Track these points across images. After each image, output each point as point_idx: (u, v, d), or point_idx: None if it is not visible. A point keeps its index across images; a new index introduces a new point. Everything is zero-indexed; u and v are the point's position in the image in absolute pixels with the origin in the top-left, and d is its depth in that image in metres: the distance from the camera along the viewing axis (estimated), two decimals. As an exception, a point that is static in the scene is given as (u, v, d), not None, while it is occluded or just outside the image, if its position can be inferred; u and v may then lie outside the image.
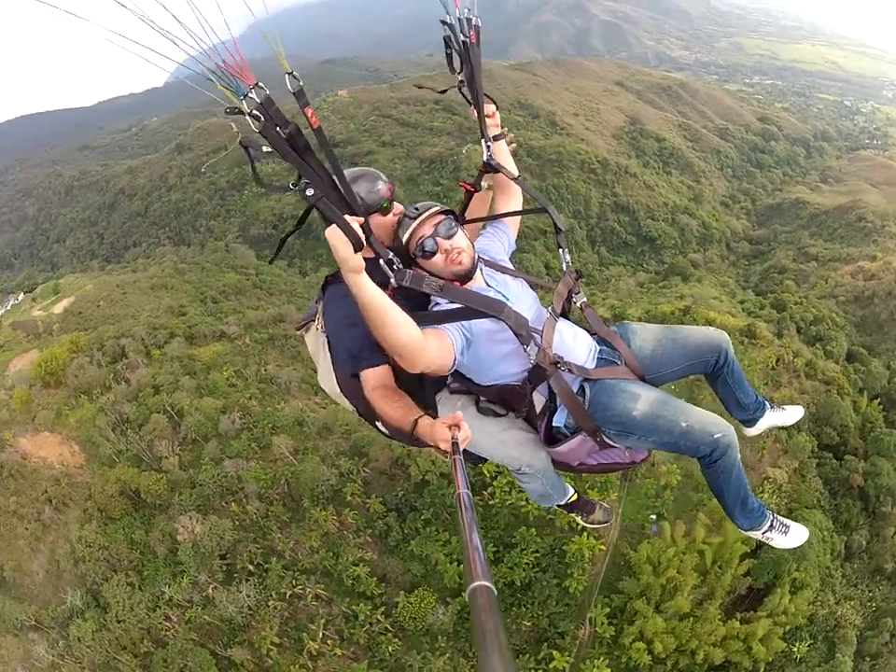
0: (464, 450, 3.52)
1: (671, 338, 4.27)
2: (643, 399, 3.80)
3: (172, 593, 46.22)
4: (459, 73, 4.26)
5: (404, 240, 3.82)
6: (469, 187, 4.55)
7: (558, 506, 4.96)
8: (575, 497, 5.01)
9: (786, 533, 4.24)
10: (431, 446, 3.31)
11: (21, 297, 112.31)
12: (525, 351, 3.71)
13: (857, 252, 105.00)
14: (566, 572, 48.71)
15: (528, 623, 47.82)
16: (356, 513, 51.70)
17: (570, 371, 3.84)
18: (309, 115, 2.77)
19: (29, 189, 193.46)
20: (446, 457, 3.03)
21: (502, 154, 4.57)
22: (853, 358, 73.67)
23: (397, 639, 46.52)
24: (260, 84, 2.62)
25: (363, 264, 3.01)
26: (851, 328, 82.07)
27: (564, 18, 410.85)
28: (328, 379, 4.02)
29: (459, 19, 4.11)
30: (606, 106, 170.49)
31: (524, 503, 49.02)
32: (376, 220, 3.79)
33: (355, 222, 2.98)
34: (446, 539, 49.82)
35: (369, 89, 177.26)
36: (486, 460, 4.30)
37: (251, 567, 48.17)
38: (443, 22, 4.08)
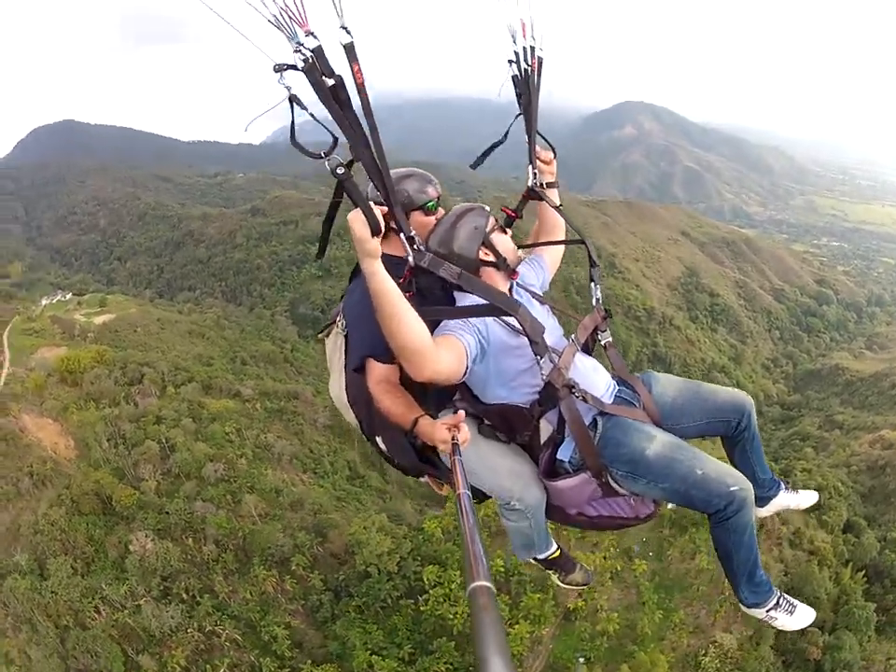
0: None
1: (694, 391, 4.37)
2: (658, 440, 3.84)
3: (110, 592, 53.96)
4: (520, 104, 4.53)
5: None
6: (511, 213, 4.74)
7: (537, 560, 4.84)
8: (557, 553, 4.90)
9: (791, 613, 4.23)
10: (430, 446, 3.58)
11: (69, 296, 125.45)
12: (539, 364, 3.70)
13: (882, 420, 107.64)
14: (473, 692, 53.50)
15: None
16: (295, 582, 59.20)
17: (585, 399, 3.85)
18: (355, 71, 2.89)
19: (105, 201, 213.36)
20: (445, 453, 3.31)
21: (552, 198, 4.79)
22: (851, 529, 74.74)
23: (294, 703, 52.74)
24: (314, 33, 2.75)
25: (379, 250, 3.11)
26: (856, 497, 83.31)
27: (650, 160, 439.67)
28: (337, 384, 4.22)
29: (524, 48, 4.36)
30: (667, 255, 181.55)
31: (451, 616, 55.06)
32: (418, 219, 4.09)
33: (376, 208, 3.09)
34: (371, 630, 56.25)
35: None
36: (487, 497, 4.28)
37: (184, 595, 55.84)
38: (510, 61, 4.38)
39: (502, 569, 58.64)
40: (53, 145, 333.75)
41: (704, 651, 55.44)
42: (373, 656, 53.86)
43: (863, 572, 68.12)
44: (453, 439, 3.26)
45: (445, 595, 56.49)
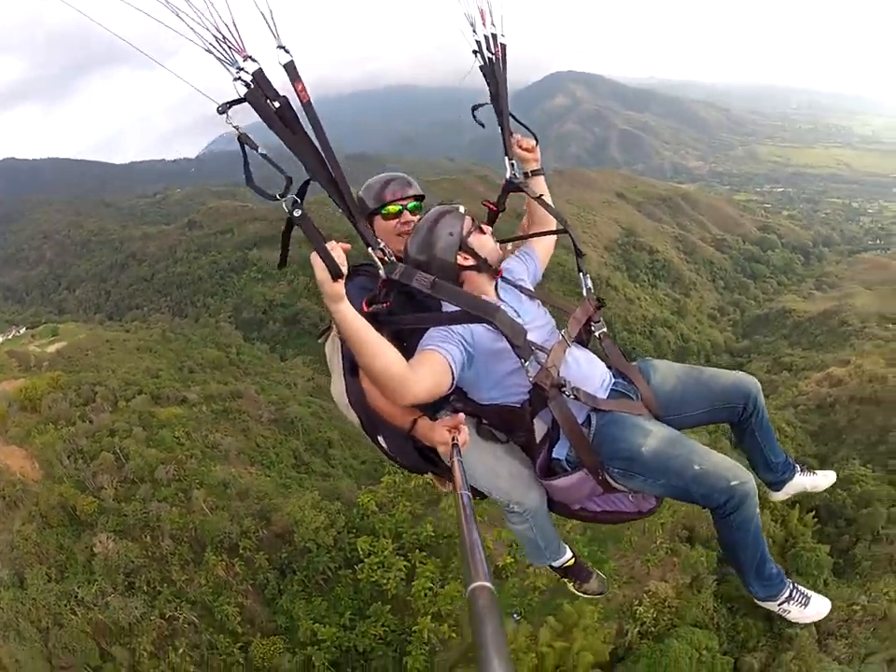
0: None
1: (695, 377, 4.21)
2: (654, 435, 3.70)
3: (83, 594, 59.02)
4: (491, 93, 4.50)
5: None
6: (492, 206, 4.66)
7: (552, 567, 4.86)
8: (573, 561, 4.90)
9: (805, 605, 4.05)
10: (431, 445, 3.61)
11: (22, 330, 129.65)
12: (524, 366, 3.60)
13: (832, 358, 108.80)
14: (407, 650, 54.76)
15: (362, 692, 56.53)
16: (243, 565, 64.27)
17: (577, 397, 3.75)
18: (299, 89, 2.80)
19: (50, 233, 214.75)
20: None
21: (541, 189, 4.74)
22: (800, 469, 73.57)
23: (246, 672, 57.80)
24: (253, 57, 2.69)
25: (341, 293, 3.02)
26: (805, 436, 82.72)
27: (584, 128, 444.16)
28: (338, 386, 4.12)
29: (486, 35, 4.29)
30: (603, 218, 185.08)
31: (385, 582, 59.14)
32: (380, 224, 4.17)
33: (338, 248, 2.99)
34: (315, 601, 60.86)
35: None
36: (485, 496, 4.25)
37: (146, 588, 61.06)
38: (475, 52, 4.32)
39: (433, 534, 62.70)
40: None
41: (638, 602, 54.29)
42: (316, 625, 58.00)
43: (813, 513, 65.94)
44: (453, 440, 3.27)
45: (379, 563, 60.15)
